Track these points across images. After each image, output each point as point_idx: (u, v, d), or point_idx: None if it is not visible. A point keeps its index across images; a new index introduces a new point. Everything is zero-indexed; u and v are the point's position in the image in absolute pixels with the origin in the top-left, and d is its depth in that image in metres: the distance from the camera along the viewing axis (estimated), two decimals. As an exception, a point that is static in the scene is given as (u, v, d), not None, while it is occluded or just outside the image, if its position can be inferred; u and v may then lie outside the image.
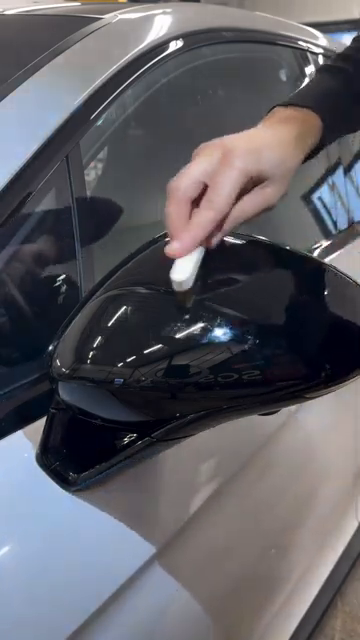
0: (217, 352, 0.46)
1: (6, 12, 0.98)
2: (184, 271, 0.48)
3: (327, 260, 1.00)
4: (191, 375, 0.47)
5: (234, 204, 0.50)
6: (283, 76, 1.28)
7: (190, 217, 0.49)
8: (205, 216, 0.49)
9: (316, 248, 1.16)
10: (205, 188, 0.50)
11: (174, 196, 0.49)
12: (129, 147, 0.88)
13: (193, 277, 0.48)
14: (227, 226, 0.51)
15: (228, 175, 0.49)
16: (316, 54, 1.31)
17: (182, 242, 0.48)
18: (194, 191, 0.50)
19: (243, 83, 1.15)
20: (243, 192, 0.51)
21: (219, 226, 0.50)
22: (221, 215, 0.49)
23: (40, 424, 0.57)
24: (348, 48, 0.72)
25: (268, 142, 0.54)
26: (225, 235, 0.51)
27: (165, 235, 0.54)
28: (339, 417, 1.20)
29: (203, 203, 0.49)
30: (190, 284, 0.48)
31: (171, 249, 0.48)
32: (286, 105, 0.61)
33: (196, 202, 0.50)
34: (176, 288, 0.48)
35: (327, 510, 1.22)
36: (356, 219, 1.37)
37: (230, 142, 0.51)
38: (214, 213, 0.49)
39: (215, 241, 0.51)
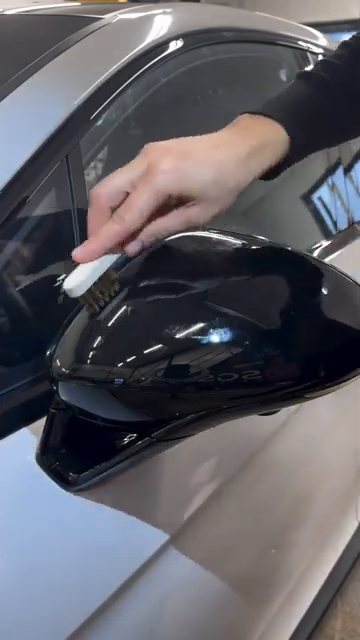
0: (217, 352, 0.46)
1: (6, 12, 0.98)
2: (75, 279, 0.48)
3: (327, 260, 1.00)
4: (191, 375, 0.47)
5: (152, 219, 0.50)
6: (283, 76, 1.28)
7: None
8: (111, 229, 0.49)
9: (316, 248, 1.16)
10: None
11: (93, 202, 0.50)
12: (129, 147, 0.88)
13: (86, 286, 0.49)
14: (143, 238, 0.50)
15: (143, 193, 0.48)
16: (316, 54, 1.31)
17: (85, 248, 0.49)
18: (113, 200, 0.49)
19: (243, 83, 1.15)
20: (168, 207, 0.50)
21: (133, 236, 0.50)
22: (128, 231, 0.49)
23: (40, 424, 0.57)
24: (333, 55, 0.67)
25: (205, 159, 0.50)
26: (144, 246, 0.51)
27: None
28: (339, 417, 1.20)
29: (114, 215, 0.49)
30: (80, 292, 0.49)
31: (75, 253, 0.49)
32: (255, 113, 0.57)
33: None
34: (68, 295, 0.49)
35: (327, 510, 1.22)
36: (356, 219, 1.37)
37: (161, 154, 0.49)
38: (121, 228, 0.48)
39: (132, 250, 0.50)
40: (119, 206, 0.49)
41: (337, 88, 0.62)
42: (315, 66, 0.66)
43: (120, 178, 0.50)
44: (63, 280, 0.50)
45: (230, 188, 0.51)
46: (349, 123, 0.64)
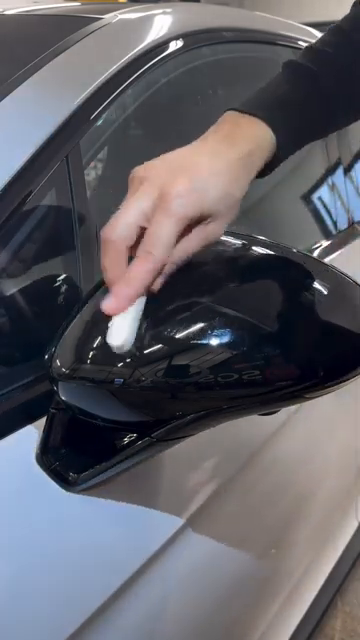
0: (217, 352, 0.46)
1: (6, 12, 0.98)
2: (121, 333, 0.45)
3: (327, 260, 1.00)
4: (191, 375, 0.47)
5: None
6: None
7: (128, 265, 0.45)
8: (143, 268, 0.45)
9: (316, 248, 1.16)
10: (143, 230, 0.46)
11: (108, 247, 0.45)
12: (129, 147, 0.88)
13: (133, 335, 0.45)
14: (168, 269, 0.47)
15: (167, 223, 0.45)
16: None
17: (119, 298, 0.45)
18: (130, 239, 0.46)
19: (243, 83, 1.15)
20: (184, 231, 0.47)
21: (159, 273, 0.46)
22: (159, 266, 0.45)
23: (40, 424, 0.57)
24: (318, 40, 0.63)
25: (212, 174, 0.48)
26: (166, 278, 0.47)
27: None
28: (339, 417, 1.20)
29: (140, 253, 0.45)
30: (130, 344, 0.45)
31: (108, 307, 0.45)
32: (240, 111, 0.55)
33: (134, 246, 0.46)
34: (116, 351, 0.45)
35: (327, 510, 1.22)
36: (356, 219, 1.37)
37: (169, 179, 0.46)
38: (152, 265, 0.45)
39: (157, 285, 0.47)
40: (136, 244, 0.46)
41: (325, 80, 0.59)
42: (302, 55, 0.61)
43: (131, 214, 0.46)
44: (107, 334, 0.46)
45: (237, 198, 0.50)
46: (338, 115, 0.61)
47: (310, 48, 0.62)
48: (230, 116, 0.55)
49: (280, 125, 0.55)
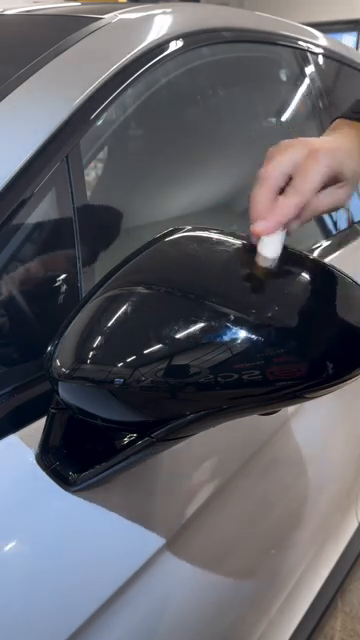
0: (217, 352, 0.46)
1: (6, 12, 0.98)
2: (273, 250, 0.52)
3: (327, 260, 1.00)
4: (191, 375, 0.47)
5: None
6: (283, 76, 1.28)
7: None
8: (291, 201, 0.53)
9: (316, 248, 1.16)
10: (288, 180, 0.54)
11: (264, 183, 0.54)
12: (129, 147, 0.88)
13: (278, 255, 0.53)
14: (305, 215, 0.55)
15: (316, 169, 0.53)
16: (316, 54, 1.31)
17: (268, 222, 0.53)
18: (282, 180, 0.54)
19: (243, 83, 1.15)
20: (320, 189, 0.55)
21: (298, 215, 0.54)
22: (304, 202, 0.53)
23: (40, 424, 0.57)
24: None
25: (347, 148, 0.57)
26: (303, 223, 0.56)
27: (166, 235, 0.55)
28: (340, 416, 1.20)
29: (289, 190, 0.54)
30: (275, 263, 0.52)
31: (258, 227, 0.53)
32: (349, 118, 0.63)
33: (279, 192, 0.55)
34: (262, 264, 0.52)
35: (327, 510, 1.22)
36: (356, 219, 1.37)
37: (314, 142, 0.55)
38: (299, 199, 0.53)
39: (294, 226, 0.55)
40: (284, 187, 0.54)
41: None
42: None
43: (285, 160, 0.54)
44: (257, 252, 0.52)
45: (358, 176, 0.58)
46: None
47: None
48: (341, 123, 0.64)
49: None
